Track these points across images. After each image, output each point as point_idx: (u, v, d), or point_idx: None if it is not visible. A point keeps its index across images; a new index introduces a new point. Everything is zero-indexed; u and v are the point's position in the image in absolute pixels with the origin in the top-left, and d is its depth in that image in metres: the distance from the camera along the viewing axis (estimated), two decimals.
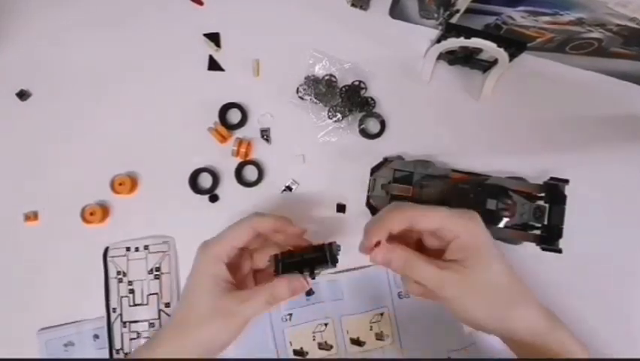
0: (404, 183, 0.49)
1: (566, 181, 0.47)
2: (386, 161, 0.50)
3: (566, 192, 0.48)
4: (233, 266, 0.41)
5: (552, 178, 0.48)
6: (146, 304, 0.49)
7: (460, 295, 0.35)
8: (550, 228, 0.47)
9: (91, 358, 0.49)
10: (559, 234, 0.47)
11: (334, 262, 0.39)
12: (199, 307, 0.38)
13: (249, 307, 0.38)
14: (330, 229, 0.52)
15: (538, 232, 0.48)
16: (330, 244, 0.40)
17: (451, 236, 0.36)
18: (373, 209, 0.50)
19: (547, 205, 0.48)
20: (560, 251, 0.47)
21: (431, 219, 0.36)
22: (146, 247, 0.50)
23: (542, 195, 0.49)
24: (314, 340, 0.49)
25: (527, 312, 0.36)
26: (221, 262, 0.39)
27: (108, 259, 0.50)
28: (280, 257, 0.40)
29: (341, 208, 0.52)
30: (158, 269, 0.50)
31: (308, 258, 0.39)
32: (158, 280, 0.50)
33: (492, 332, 0.36)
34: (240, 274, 0.43)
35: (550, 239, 0.47)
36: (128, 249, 0.50)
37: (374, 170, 0.50)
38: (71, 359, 0.49)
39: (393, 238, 0.37)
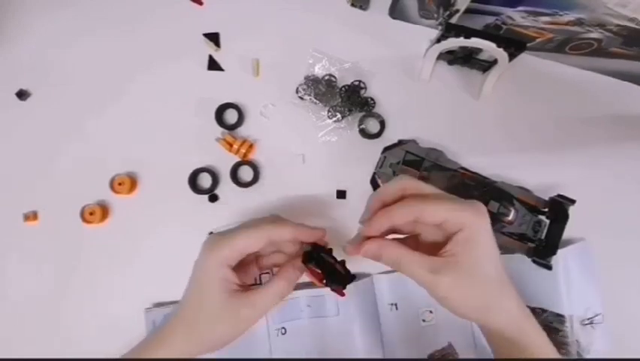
0: (413, 167, 0.49)
1: (573, 201, 0.47)
2: (400, 143, 0.51)
3: (565, 193, 0.48)
4: (239, 268, 0.41)
5: (559, 195, 0.48)
6: None
7: (450, 294, 0.35)
8: (546, 243, 0.47)
9: (88, 358, 0.49)
10: (553, 251, 0.47)
11: (344, 287, 0.40)
12: (210, 308, 0.38)
13: (257, 310, 0.38)
14: (330, 229, 0.52)
15: (532, 244, 0.48)
16: (354, 275, 0.40)
17: (454, 229, 0.35)
18: (377, 187, 0.50)
19: (547, 221, 0.48)
20: (550, 268, 0.47)
21: (438, 213, 0.35)
22: None
23: (546, 210, 0.49)
24: None
25: (509, 304, 0.36)
26: (229, 266, 0.39)
27: None
28: (313, 251, 0.41)
29: (341, 194, 0.52)
30: None
31: (334, 269, 0.40)
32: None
33: (473, 321, 0.37)
34: (245, 275, 0.43)
35: (542, 254, 0.47)
36: None
37: (387, 149, 0.51)
38: (70, 359, 0.49)
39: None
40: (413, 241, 0.38)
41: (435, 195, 0.36)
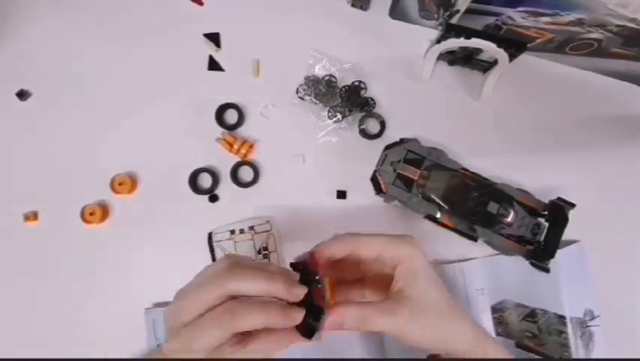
0: (414, 165, 0.49)
1: (572, 205, 0.47)
2: (402, 141, 0.51)
3: (564, 193, 0.48)
4: None
5: (559, 198, 0.48)
6: None
7: (407, 330, 0.35)
8: (544, 246, 0.47)
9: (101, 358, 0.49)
10: (551, 254, 0.47)
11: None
12: None
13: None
14: (330, 229, 0.52)
15: (531, 247, 0.48)
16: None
17: (392, 263, 0.36)
18: (377, 184, 0.50)
19: (547, 224, 0.48)
20: (547, 271, 0.47)
21: (372, 246, 0.36)
22: (251, 228, 0.51)
23: (545, 213, 0.48)
24: None
25: (464, 327, 0.37)
26: None
27: (214, 243, 0.51)
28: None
29: (341, 195, 0.52)
30: (265, 248, 0.50)
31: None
32: (267, 260, 0.50)
33: (436, 352, 0.37)
34: None
35: (541, 257, 0.47)
36: (232, 232, 0.51)
37: (388, 147, 0.51)
38: (70, 359, 0.49)
39: (336, 266, 0.37)
40: (359, 289, 0.40)
41: (369, 233, 0.37)
